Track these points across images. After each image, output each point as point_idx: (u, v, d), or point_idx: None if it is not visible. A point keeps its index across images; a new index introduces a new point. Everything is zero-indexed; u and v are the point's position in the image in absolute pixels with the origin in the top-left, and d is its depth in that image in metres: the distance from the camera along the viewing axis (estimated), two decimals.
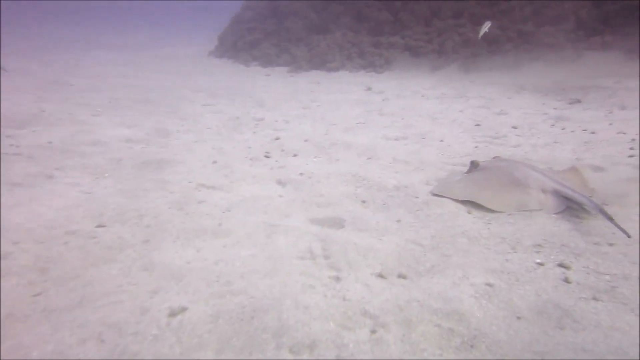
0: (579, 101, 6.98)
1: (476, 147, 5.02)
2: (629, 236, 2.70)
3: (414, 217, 3.32)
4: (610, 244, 2.77)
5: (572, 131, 5.37)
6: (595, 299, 2.23)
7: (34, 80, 9.25)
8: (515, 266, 2.58)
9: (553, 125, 5.76)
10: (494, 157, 4.15)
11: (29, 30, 23.78)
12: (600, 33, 9.44)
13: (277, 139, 5.56)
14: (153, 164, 4.41)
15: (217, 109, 7.47)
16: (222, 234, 3.00)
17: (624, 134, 4.99)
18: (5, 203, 3.25)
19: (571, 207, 3.23)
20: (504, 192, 3.40)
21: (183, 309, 2.16)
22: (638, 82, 7.33)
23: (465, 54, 10.70)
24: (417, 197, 3.64)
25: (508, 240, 2.90)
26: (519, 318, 2.12)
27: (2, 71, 9.07)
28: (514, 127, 5.77)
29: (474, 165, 3.80)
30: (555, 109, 6.69)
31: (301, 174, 4.23)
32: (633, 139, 4.75)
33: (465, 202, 3.46)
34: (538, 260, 2.62)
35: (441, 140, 5.36)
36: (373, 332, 2.04)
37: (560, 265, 2.56)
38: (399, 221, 3.24)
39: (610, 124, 5.47)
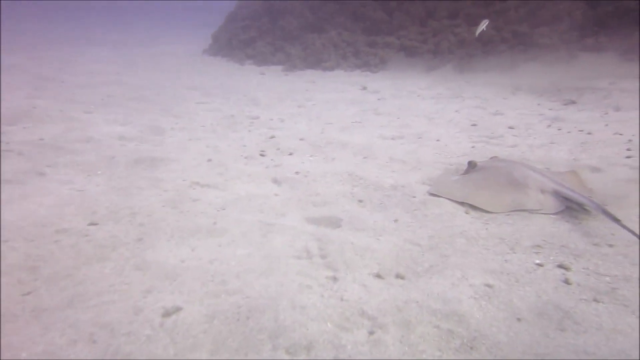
0: (573, 102, 7.00)
1: (473, 147, 5.00)
2: (638, 237, 2.64)
3: (412, 216, 3.29)
4: (610, 245, 2.75)
5: (568, 132, 5.37)
6: (596, 300, 2.21)
7: (25, 77, 9.13)
8: (514, 267, 2.55)
9: (549, 125, 5.76)
10: (492, 157, 4.13)
11: (23, 27, 23.52)
12: (595, 34, 9.46)
13: (272, 137, 5.51)
14: (147, 162, 4.34)
15: (212, 107, 7.40)
16: (217, 233, 2.95)
17: (620, 135, 5.00)
18: None
19: (571, 207, 3.21)
20: (503, 192, 3.37)
21: (177, 309, 2.11)
22: (633, 84, 7.35)
23: (461, 55, 10.70)
24: (414, 197, 3.61)
25: (507, 240, 2.87)
26: (519, 319, 2.09)
27: None
28: (510, 128, 5.76)
29: (471, 165, 3.77)
30: (550, 109, 6.69)
31: (297, 173, 4.19)
32: (629, 140, 4.75)
33: (463, 202, 3.43)
34: (537, 261, 2.60)
35: (438, 140, 5.34)
36: (371, 333, 2.00)
37: (560, 266, 2.53)
38: (396, 221, 3.21)
39: (606, 125, 5.48)
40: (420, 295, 2.27)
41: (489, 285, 2.36)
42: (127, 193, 3.56)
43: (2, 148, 4.32)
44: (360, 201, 3.57)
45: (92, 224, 2.98)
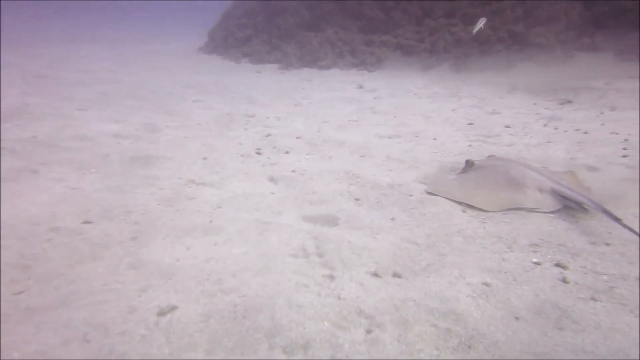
0: (569, 102, 7.01)
1: (470, 145, 5.00)
2: (639, 235, 2.62)
3: (409, 215, 3.27)
4: (607, 244, 2.74)
5: (565, 131, 5.37)
6: (593, 299, 2.20)
7: (19, 74, 9.04)
8: (512, 265, 2.54)
9: (546, 125, 5.76)
10: (489, 156, 4.12)
11: (21, 26, 23.31)
12: (591, 34, 9.49)
13: (268, 135, 5.48)
14: (142, 160, 4.30)
15: (207, 105, 7.36)
16: (213, 231, 2.92)
17: (617, 134, 5.00)
18: None
19: (568, 206, 3.20)
20: (500, 191, 3.36)
21: (172, 308, 2.09)
22: (629, 84, 7.37)
23: (457, 54, 10.70)
24: (411, 195, 3.59)
25: (504, 239, 2.86)
26: (517, 318, 2.08)
27: None
28: (507, 127, 5.76)
29: (469, 164, 3.76)
30: (547, 109, 6.70)
31: (293, 171, 4.16)
32: (625, 139, 4.76)
33: (460, 201, 3.42)
34: (535, 260, 2.59)
35: (435, 139, 5.33)
36: (369, 332, 1.98)
37: (558, 264, 2.53)
38: (393, 219, 3.19)
39: (602, 124, 5.49)
40: (417, 294, 2.26)
41: (486, 284, 2.34)
42: (122, 191, 3.53)
43: None
44: (357, 200, 3.55)
45: (86, 222, 2.95)
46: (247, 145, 5.03)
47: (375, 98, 8.25)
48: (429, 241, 2.86)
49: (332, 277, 2.41)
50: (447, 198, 3.46)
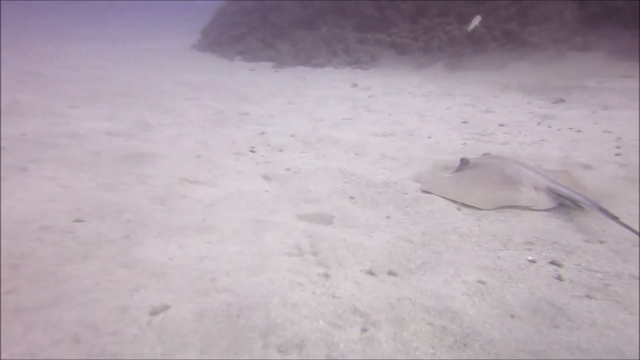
0: (562, 100, 7.04)
1: (464, 144, 5.00)
2: (638, 234, 2.61)
3: (404, 213, 3.26)
4: (601, 242, 2.75)
5: (558, 129, 5.39)
6: (588, 297, 2.20)
7: (7, 71, 8.92)
8: (507, 263, 2.54)
9: (539, 123, 5.78)
10: (484, 154, 4.12)
11: (18, 24, 23.04)
12: (584, 34, 9.55)
13: (262, 133, 5.45)
14: (134, 158, 4.26)
15: (201, 103, 7.31)
16: (206, 230, 2.89)
17: (609, 132, 5.03)
18: None
19: (563, 204, 3.21)
20: (496, 189, 3.36)
21: (165, 307, 2.06)
22: (621, 83, 7.42)
23: (451, 53, 10.72)
24: (406, 194, 3.58)
25: (499, 237, 2.86)
26: (512, 316, 2.07)
27: None
28: (501, 125, 5.77)
29: (463, 162, 3.76)
30: (540, 107, 6.73)
31: (288, 169, 4.14)
32: (618, 138, 4.78)
33: (455, 199, 3.41)
34: (530, 258, 2.59)
35: (429, 137, 5.33)
36: (364, 330, 1.97)
37: (552, 262, 2.52)
38: (388, 217, 3.18)
39: (595, 123, 5.52)
40: (413, 292, 2.24)
41: (481, 282, 2.34)
42: (114, 189, 3.48)
43: None
44: (352, 198, 3.54)
45: (76, 220, 2.90)
46: (241, 143, 4.99)
47: (369, 96, 8.24)
48: (424, 239, 2.85)
49: (327, 276, 2.39)
50: (442, 196, 3.45)
